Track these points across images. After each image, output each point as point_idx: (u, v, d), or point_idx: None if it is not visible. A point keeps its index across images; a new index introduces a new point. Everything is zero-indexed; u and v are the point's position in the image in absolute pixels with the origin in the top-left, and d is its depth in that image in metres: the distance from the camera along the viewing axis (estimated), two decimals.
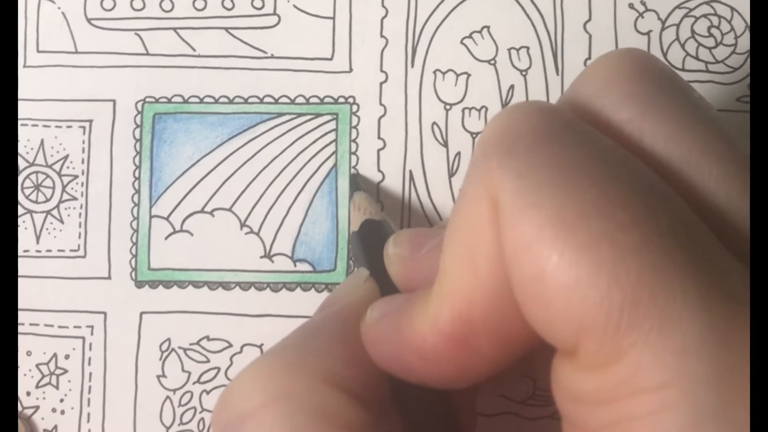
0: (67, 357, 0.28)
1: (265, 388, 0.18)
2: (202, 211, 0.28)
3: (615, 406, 0.15)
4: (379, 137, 0.28)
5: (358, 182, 0.27)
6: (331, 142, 0.28)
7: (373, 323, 0.19)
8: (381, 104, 0.28)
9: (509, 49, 0.28)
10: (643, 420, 0.14)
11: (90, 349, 0.28)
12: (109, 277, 0.28)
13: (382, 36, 0.28)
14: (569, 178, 0.15)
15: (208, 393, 0.27)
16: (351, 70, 0.28)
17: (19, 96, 0.28)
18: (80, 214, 0.28)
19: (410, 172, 0.28)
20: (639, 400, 0.14)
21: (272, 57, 0.28)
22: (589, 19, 0.28)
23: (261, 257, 0.28)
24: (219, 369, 0.27)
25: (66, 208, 0.28)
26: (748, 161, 0.17)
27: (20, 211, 0.28)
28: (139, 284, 0.28)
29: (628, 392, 0.14)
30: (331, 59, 0.28)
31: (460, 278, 0.17)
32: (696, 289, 0.14)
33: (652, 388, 0.14)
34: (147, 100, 0.28)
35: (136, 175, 0.28)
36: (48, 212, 0.28)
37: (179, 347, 0.27)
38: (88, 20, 0.29)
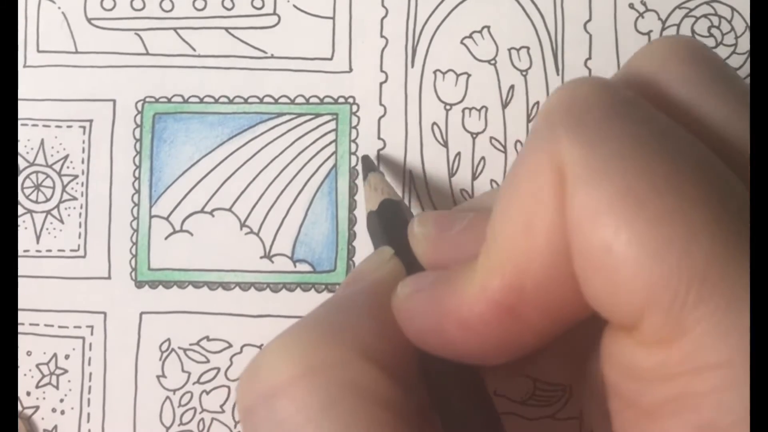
0: (67, 357, 0.28)
1: (298, 360, 0.17)
2: (202, 211, 0.28)
3: (676, 382, 0.15)
4: (379, 137, 0.28)
5: (371, 163, 0.27)
6: (331, 143, 0.28)
7: (406, 297, 0.19)
8: (381, 104, 0.28)
9: (509, 49, 0.28)
10: (706, 396, 0.14)
11: (90, 349, 0.28)
12: (109, 277, 0.28)
13: (382, 36, 0.28)
14: (640, 152, 0.15)
15: (208, 393, 0.27)
16: (351, 70, 0.28)
17: (20, 96, 0.28)
18: (80, 214, 0.28)
19: (410, 172, 0.28)
20: (702, 376, 0.14)
21: (272, 57, 0.28)
22: (590, 19, 0.28)
23: (261, 257, 0.28)
24: (219, 369, 0.27)
25: (66, 208, 0.28)
26: None
27: (20, 211, 0.28)
28: (139, 284, 0.28)
29: (691, 368, 0.14)
30: (331, 59, 0.28)
31: (514, 245, 0.17)
32: None
33: (717, 365, 0.14)
34: (147, 99, 0.28)
35: (136, 175, 0.28)
36: (48, 212, 0.28)
37: (179, 347, 0.27)
38: (89, 20, 0.29)
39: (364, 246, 0.27)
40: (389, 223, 0.23)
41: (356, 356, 0.18)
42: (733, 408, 0.14)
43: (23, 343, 0.28)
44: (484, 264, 0.17)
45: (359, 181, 0.28)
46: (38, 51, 0.29)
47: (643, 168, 0.15)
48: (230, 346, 0.27)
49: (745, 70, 0.28)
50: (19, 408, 0.27)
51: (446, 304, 0.18)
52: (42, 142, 0.28)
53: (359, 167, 0.28)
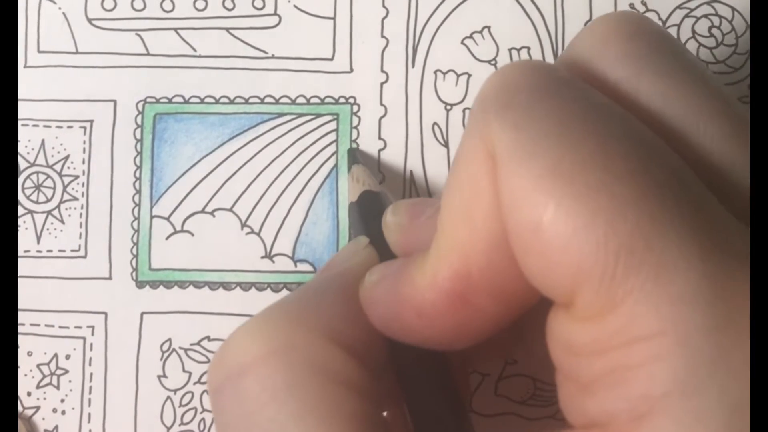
0: (67, 357, 0.28)
1: (265, 341, 0.18)
2: (202, 211, 0.28)
3: (610, 356, 0.15)
4: (379, 137, 0.28)
5: (356, 156, 0.27)
6: (331, 143, 0.28)
7: (371, 285, 0.20)
8: (382, 104, 0.28)
9: (510, 49, 0.28)
10: (639, 368, 0.14)
11: (91, 349, 0.28)
12: (110, 278, 0.28)
13: (382, 36, 0.28)
14: (566, 130, 0.15)
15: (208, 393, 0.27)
16: (352, 70, 0.28)
17: (20, 96, 0.28)
18: (81, 215, 0.28)
19: (411, 172, 0.28)
20: (634, 348, 0.14)
21: (273, 57, 0.28)
22: (590, 19, 0.28)
23: (262, 257, 0.28)
24: None
25: (67, 209, 0.28)
26: (743, 121, 0.17)
27: (21, 211, 0.28)
28: (140, 284, 0.28)
29: (624, 341, 0.14)
30: (331, 59, 0.28)
31: (457, 234, 0.17)
32: (692, 240, 0.14)
33: (648, 337, 0.14)
34: (148, 100, 0.28)
35: (137, 175, 0.28)
36: (49, 212, 0.28)
37: (180, 347, 0.27)
38: (89, 20, 0.29)
39: None
40: (367, 214, 0.24)
41: (322, 338, 0.18)
42: (664, 379, 0.14)
43: (24, 344, 0.28)
44: (434, 253, 0.18)
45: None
46: (39, 51, 0.29)
47: (570, 145, 0.15)
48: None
49: (746, 71, 0.28)
50: (20, 408, 0.27)
51: (402, 293, 0.18)
52: (42, 143, 0.28)
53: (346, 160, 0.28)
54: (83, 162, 0.28)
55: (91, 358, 0.27)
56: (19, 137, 0.28)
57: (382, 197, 0.24)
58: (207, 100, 0.28)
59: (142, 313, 0.28)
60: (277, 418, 0.17)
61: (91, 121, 0.28)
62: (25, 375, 0.27)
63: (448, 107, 0.28)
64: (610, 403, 0.15)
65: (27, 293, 0.28)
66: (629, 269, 0.14)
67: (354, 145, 0.28)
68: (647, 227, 0.14)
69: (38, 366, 0.27)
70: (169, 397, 0.27)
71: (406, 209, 0.21)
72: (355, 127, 0.28)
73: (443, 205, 0.17)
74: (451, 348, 0.19)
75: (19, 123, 0.28)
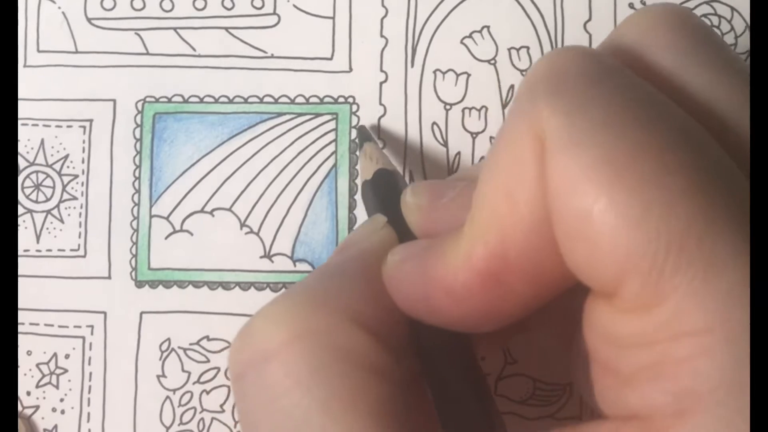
0: (67, 357, 0.28)
1: (287, 326, 0.17)
2: (202, 210, 0.28)
3: (654, 349, 0.15)
4: (379, 137, 0.28)
5: (367, 133, 0.27)
6: (330, 142, 0.28)
7: (395, 265, 0.19)
8: (381, 104, 0.28)
9: (509, 49, 0.28)
10: (684, 364, 0.14)
11: (90, 348, 0.28)
12: (109, 277, 0.28)
13: (382, 36, 0.28)
14: (618, 120, 0.15)
15: (208, 393, 0.27)
16: (351, 69, 0.28)
17: (20, 96, 0.28)
18: (80, 214, 0.28)
19: (410, 172, 0.28)
20: (680, 343, 0.14)
21: (272, 57, 0.28)
22: (589, 19, 0.28)
23: (261, 257, 0.28)
24: (219, 369, 0.27)
25: (66, 208, 0.28)
26: None
27: (20, 210, 0.28)
28: (139, 284, 0.28)
29: (669, 335, 0.14)
30: (331, 59, 0.28)
31: (497, 214, 0.17)
32: (740, 236, 0.14)
33: (694, 332, 0.14)
34: (147, 99, 0.28)
35: (137, 174, 0.28)
36: (48, 212, 0.28)
37: (179, 347, 0.27)
38: (89, 20, 0.29)
39: None
40: (383, 192, 0.24)
41: (345, 322, 0.18)
42: (710, 375, 0.14)
43: (23, 343, 0.28)
44: (468, 232, 0.17)
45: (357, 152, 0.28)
46: (38, 51, 0.29)
47: (622, 135, 0.15)
48: (230, 345, 0.27)
49: None
50: (19, 408, 0.27)
51: (433, 272, 0.18)
52: (42, 142, 0.28)
53: (356, 138, 0.28)
54: (83, 161, 0.28)
55: (90, 358, 0.27)
56: (19, 136, 0.28)
57: (396, 176, 0.24)
58: (206, 99, 0.28)
59: (142, 313, 0.28)
60: (302, 404, 0.17)
61: (91, 121, 0.28)
62: (25, 374, 0.27)
63: (448, 107, 0.28)
64: (653, 396, 0.15)
65: (26, 292, 0.28)
66: (679, 264, 0.14)
67: (353, 145, 0.28)
68: (699, 223, 0.14)
69: (38, 365, 0.27)
70: (168, 397, 0.27)
71: (426, 190, 0.21)
72: (355, 127, 0.28)
73: (482, 185, 0.17)
74: (477, 330, 0.19)
75: (19, 122, 0.28)
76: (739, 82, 0.17)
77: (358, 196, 0.27)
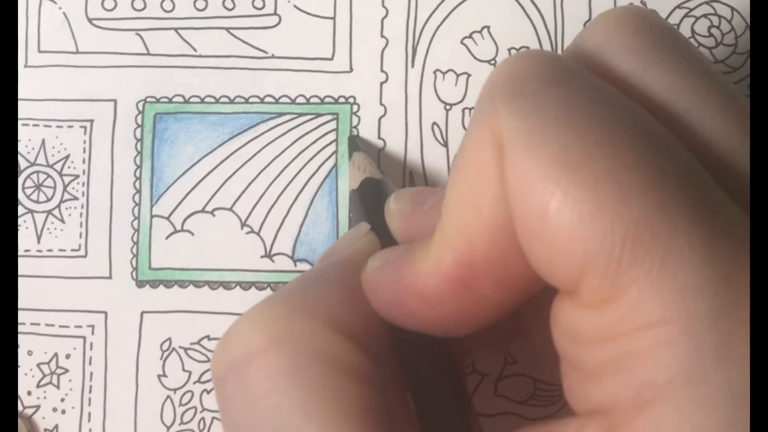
0: (67, 356, 0.28)
1: (267, 330, 0.18)
2: (202, 210, 0.28)
3: (615, 344, 0.15)
4: (379, 137, 0.28)
5: (357, 143, 0.27)
6: (331, 142, 0.28)
7: (374, 271, 0.20)
8: (381, 104, 0.28)
9: (509, 49, 0.28)
10: (643, 356, 0.14)
11: (91, 348, 0.28)
12: (110, 277, 0.28)
13: (382, 36, 0.28)
14: (574, 119, 0.16)
15: (208, 392, 0.27)
16: (351, 70, 0.28)
17: (20, 96, 0.28)
18: (81, 214, 0.28)
19: (410, 172, 0.28)
20: (639, 336, 0.14)
21: (273, 57, 0.28)
22: (589, 19, 0.28)
23: (262, 257, 0.28)
24: None
25: (67, 208, 0.28)
26: (748, 114, 0.17)
27: (21, 210, 0.28)
28: (140, 284, 0.28)
29: (628, 329, 0.14)
30: (331, 59, 0.28)
31: (462, 220, 0.17)
32: (698, 229, 0.14)
33: (652, 325, 0.14)
34: (148, 99, 0.28)
35: (137, 174, 0.28)
36: (49, 212, 0.28)
37: (180, 347, 0.27)
38: (89, 20, 0.29)
39: None
40: (369, 201, 0.24)
41: (324, 326, 0.18)
42: (668, 366, 0.14)
43: (24, 343, 0.28)
44: (437, 239, 0.18)
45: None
46: (39, 51, 0.29)
47: (577, 134, 0.15)
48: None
49: (745, 70, 0.28)
50: (20, 407, 0.27)
51: (405, 278, 0.18)
52: (43, 142, 0.28)
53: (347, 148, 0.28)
54: (83, 161, 0.28)
55: (91, 358, 0.28)
56: (20, 137, 0.28)
57: (383, 184, 0.24)
58: (207, 99, 0.28)
59: (142, 313, 0.28)
60: (281, 406, 0.17)
61: (92, 121, 0.28)
62: (25, 374, 0.27)
63: (448, 107, 0.28)
64: (614, 389, 0.15)
65: (27, 292, 0.28)
66: (635, 257, 0.14)
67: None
68: (653, 216, 0.14)
69: (38, 365, 0.27)
70: (169, 397, 0.27)
71: (409, 197, 0.21)
72: (355, 127, 0.28)
73: (448, 191, 0.17)
74: (452, 334, 0.19)
75: (20, 123, 0.28)
76: (703, 82, 0.17)
77: None
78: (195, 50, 0.29)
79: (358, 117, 0.28)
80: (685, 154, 0.16)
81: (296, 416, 0.17)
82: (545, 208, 0.15)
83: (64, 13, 0.29)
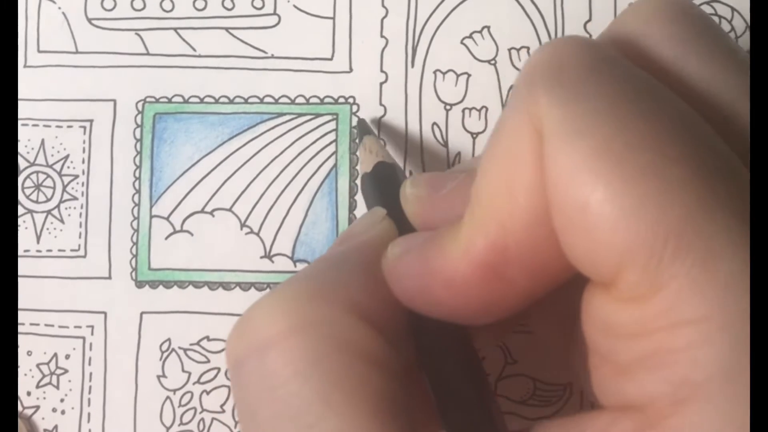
0: (67, 357, 0.28)
1: (288, 316, 0.17)
2: (202, 211, 0.28)
3: (652, 338, 0.15)
4: (379, 137, 0.28)
5: (367, 127, 0.27)
6: (331, 143, 0.28)
7: (396, 258, 0.19)
8: (381, 104, 0.28)
9: (509, 49, 0.28)
10: (682, 352, 0.14)
11: (90, 349, 0.28)
12: (110, 277, 0.28)
13: (382, 36, 0.28)
14: (617, 110, 0.15)
15: (208, 393, 0.27)
16: (351, 70, 0.28)
17: (20, 96, 0.28)
18: (81, 214, 0.28)
19: (410, 172, 0.28)
20: (678, 332, 0.14)
21: (272, 57, 0.28)
22: (590, 19, 0.28)
23: (261, 257, 0.28)
24: (219, 369, 0.27)
25: (66, 208, 0.28)
26: None
27: (21, 211, 0.28)
28: (140, 284, 0.28)
29: (667, 324, 0.14)
30: (331, 59, 0.28)
31: (496, 205, 0.17)
32: (740, 227, 0.14)
33: (692, 321, 0.14)
34: (147, 100, 0.28)
35: (137, 175, 0.28)
36: (48, 212, 0.28)
37: (179, 347, 0.27)
38: (89, 20, 0.29)
39: None
40: (382, 185, 0.24)
41: (346, 313, 0.18)
42: (707, 364, 0.14)
43: (23, 343, 0.28)
44: (468, 224, 0.17)
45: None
46: (38, 51, 0.29)
47: (621, 126, 0.15)
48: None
49: None
50: (20, 408, 0.27)
51: (432, 265, 0.18)
52: (42, 142, 0.28)
53: (356, 130, 0.28)
54: (83, 162, 0.28)
55: (90, 358, 0.28)
56: (19, 137, 0.28)
57: (396, 169, 0.24)
58: (206, 99, 0.28)
59: (142, 313, 0.28)
60: (301, 393, 0.17)
61: (91, 121, 0.28)
62: (25, 374, 0.27)
63: (448, 107, 0.28)
64: (650, 385, 0.15)
65: (27, 293, 0.28)
66: (677, 253, 0.14)
67: (354, 146, 0.28)
68: (697, 212, 0.14)
69: (38, 365, 0.27)
70: (168, 397, 0.27)
71: (426, 181, 0.21)
72: (355, 127, 0.28)
73: (481, 176, 0.17)
74: (476, 322, 0.19)
75: (19, 123, 0.28)
76: (740, 73, 0.17)
77: (359, 197, 0.27)
78: (194, 50, 0.29)
79: (358, 117, 0.28)
80: (724, 148, 0.16)
81: (317, 404, 0.16)
82: (587, 200, 0.15)
83: (63, 13, 0.29)
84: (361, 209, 0.27)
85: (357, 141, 0.27)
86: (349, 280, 0.19)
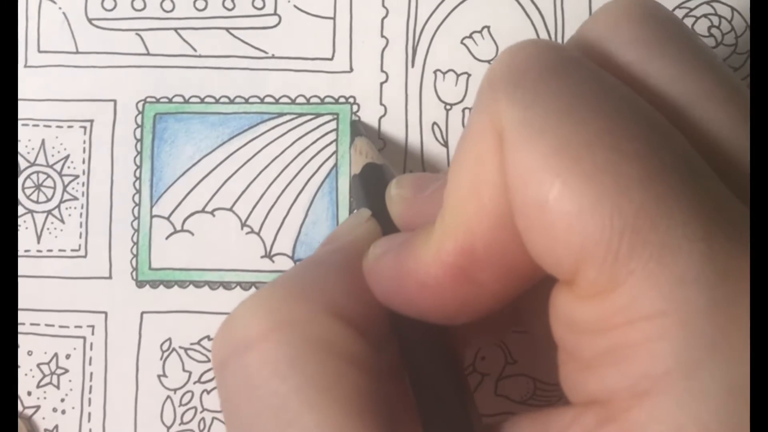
0: (67, 357, 0.28)
1: (267, 317, 0.18)
2: (202, 210, 0.28)
3: (612, 334, 0.15)
4: (379, 137, 0.28)
5: (359, 128, 0.27)
6: (331, 142, 0.28)
7: (375, 259, 0.20)
8: (381, 104, 0.28)
9: None
10: (640, 347, 0.14)
11: (91, 348, 0.28)
12: (110, 277, 0.28)
13: (382, 36, 0.28)
14: (575, 110, 0.16)
15: (208, 393, 0.27)
16: (351, 70, 0.28)
17: (20, 96, 0.28)
18: (81, 214, 0.28)
19: (410, 172, 0.28)
20: (635, 327, 0.14)
21: (273, 57, 0.28)
22: None
23: (262, 257, 0.28)
24: None
25: (67, 208, 0.28)
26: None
27: (21, 211, 0.28)
28: (140, 284, 0.28)
29: (625, 320, 0.15)
30: (331, 59, 0.28)
31: (463, 209, 0.17)
32: (697, 221, 0.14)
33: (649, 316, 0.14)
34: (148, 100, 0.28)
35: (137, 175, 0.28)
36: (49, 212, 0.28)
37: (180, 347, 0.27)
38: (89, 20, 0.29)
39: None
40: (370, 186, 0.24)
41: (324, 313, 0.18)
42: (665, 358, 0.14)
43: (24, 343, 0.28)
44: (439, 228, 0.18)
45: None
46: (39, 51, 0.29)
47: (578, 124, 0.15)
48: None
49: (745, 70, 0.28)
50: (20, 408, 0.27)
51: (406, 266, 0.18)
52: (43, 143, 0.28)
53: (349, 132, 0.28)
54: (83, 162, 0.28)
55: (91, 358, 0.27)
56: (19, 137, 0.28)
57: (384, 170, 0.24)
58: (207, 99, 0.28)
59: (142, 313, 0.28)
60: (280, 392, 0.17)
61: (91, 121, 0.28)
62: (26, 374, 0.27)
63: (448, 107, 0.28)
64: (611, 380, 0.15)
65: (27, 293, 0.28)
66: (633, 249, 0.14)
67: (356, 118, 0.28)
68: (653, 208, 0.14)
69: (38, 365, 0.27)
70: (169, 397, 0.27)
71: (410, 182, 0.21)
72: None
73: (450, 180, 0.18)
74: (453, 322, 0.19)
75: (19, 123, 0.28)
76: (706, 74, 0.17)
77: None
78: (195, 50, 0.29)
79: (358, 117, 0.28)
80: (685, 146, 0.16)
81: (295, 402, 0.17)
82: (544, 198, 0.15)
83: (63, 13, 0.29)
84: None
85: (348, 143, 0.28)
86: (328, 280, 0.19)
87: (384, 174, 0.24)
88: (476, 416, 0.19)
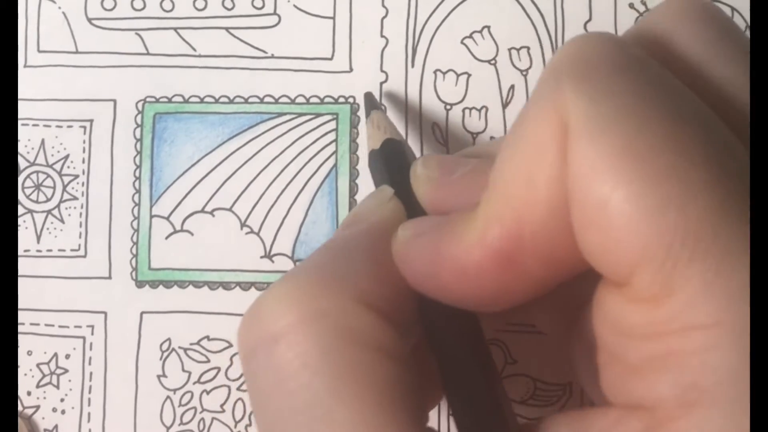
0: (67, 357, 0.28)
1: (297, 307, 0.17)
2: (202, 210, 0.28)
3: (663, 340, 0.15)
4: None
5: (375, 101, 0.27)
6: (331, 142, 0.28)
7: (407, 241, 0.19)
8: (381, 104, 0.28)
9: (509, 49, 0.28)
10: (691, 356, 0.14)
11: (90, 348, 0.28)
12: (110, 277, 0.28)
13: (382, 36, 0.28)
14: (642, 110, 0.15)
15: (208, 393, 0.27)
16: (351, 70, 0.28)
17: (20, 96, 0.28)
18: (81, 214, 0.28)
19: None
20: (689, 336, 0.14)
21: (272, 57, 0.28)
22: (590, 19, 0.28)
23: (261, 257, 0.28)
24: (219, 369, 0.27)
25: (66, 208, 0.28)
26: None
27: (21, 210, 0.28)
28: (140, 284, 0.28)
29: (679, 327, 0.14)
30: (331, 59, 0.28)
31: (514, 194, 0.17)
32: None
33: (704, 326, 0.14)
34: (147, 99, 0.28)
35: (137, 174, 0.28)
36: (48, 212, 0.28)
37: (180, 347, 0.27)
38: (89, 20, 0.29)
39: None
40: (391, 163, 0.23)
41: (354, 303, 0.18)
42: (717, 369, 0.14)
43: (24, 343, 0.28)
44: (484, 211, 0.17)
45: (362, 115, 0.27)
46: (39, 51, 0.29)
47: (645, 126, 0.15)
48: (230, 345, 0.27)
49: None
50: (20, 408, 0.27)
51: (445, 250, 0.18)
52: (42, 142, 0.28)
53: (362, 104, 0.27)
54: (83, 161, 0.28)
55: (90, 358, 0.28)
56: (19, 137, 0.28)
57: (405, 146, 0.24)
58: (207, 99, 0.28)
59: (142, 313, 0.28)
60: (311, 385, 0.17)
61: (91, 121, 0.28)
62: (25, 374, 0.27)
63: (448, 107, 0.28)
64: (659, 387, 0.15)
65: (27, 292, 0.28)
66: (693, 257, 0.14)
67: (354, 145, 0.28)
68: (715, 216, 0.14)
69: (38, 365, 0.27)
70: (168, 397, 0.27)
71: (437, 163, 0.21)
72: (355, 127, 0.28)
73: (500, 164, 0.17)
74: (487, 309, 0.19)
75: (19, 122, 0.28)
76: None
77: (359, 196, 0.28)
78: (194, 50, 0.29)
79: (358, 117, 0.28)
80: (744, 152, 0.16)
81: (327, 396, 0.17)
82: (607, 197, 0.15)
83: (63, 13, 0.29)
84: None
85: (364, 116, 0.27)
86: (356, 267, 0.19)
87: (405, 151, 0.24)
88: (506, 403, 0.19)
